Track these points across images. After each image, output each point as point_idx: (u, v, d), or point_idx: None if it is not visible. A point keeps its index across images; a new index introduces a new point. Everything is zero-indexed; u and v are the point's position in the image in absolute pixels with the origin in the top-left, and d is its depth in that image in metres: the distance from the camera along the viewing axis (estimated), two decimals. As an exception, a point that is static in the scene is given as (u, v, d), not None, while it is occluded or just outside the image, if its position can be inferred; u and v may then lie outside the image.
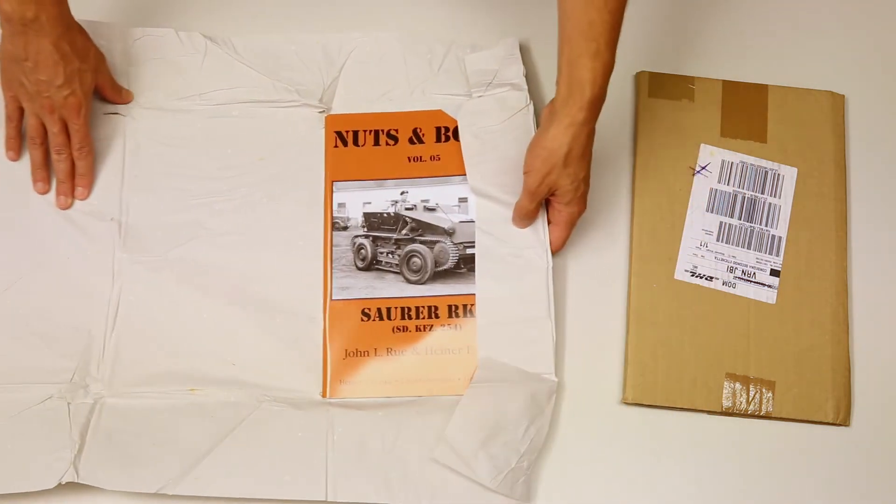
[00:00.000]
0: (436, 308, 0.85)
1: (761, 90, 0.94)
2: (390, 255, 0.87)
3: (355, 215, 0.88)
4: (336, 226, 0.87)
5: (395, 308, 0.85)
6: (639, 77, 0.95)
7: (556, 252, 0.86)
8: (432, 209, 0.87)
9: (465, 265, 0.86)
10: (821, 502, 0.84)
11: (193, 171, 0.90)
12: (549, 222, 0.86)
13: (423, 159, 0.89)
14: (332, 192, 0.88)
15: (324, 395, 0.82)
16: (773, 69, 0.96)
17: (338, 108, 0.92)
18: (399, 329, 0.85)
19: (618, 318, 0.88)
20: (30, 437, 0.80)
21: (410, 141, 0.89)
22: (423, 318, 0.85)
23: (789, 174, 0.92)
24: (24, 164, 0.90)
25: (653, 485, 0.84)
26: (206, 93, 0.92)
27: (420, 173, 0.89)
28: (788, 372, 0.86)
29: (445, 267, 0.86)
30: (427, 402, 0.83)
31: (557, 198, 0.82)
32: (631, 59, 0.95)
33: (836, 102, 0.94)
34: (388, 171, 0.89)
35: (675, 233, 0.89)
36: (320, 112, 0.92)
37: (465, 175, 0.87)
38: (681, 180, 0.91)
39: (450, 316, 0.85)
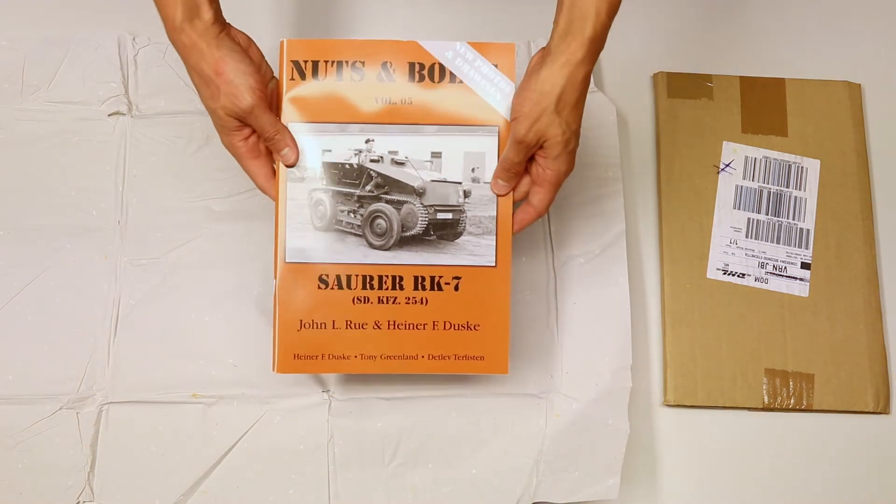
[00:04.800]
0: (400, 279, 0.75)
1: (779, 84, 0.95)
2: (352, 215, 0.75)
3: (313, 164, 0.75)
4: (291, 176, 0.75)
5: (356, 276, 0.75)
6: (657, 78, 0.95)
7: (540, 216, 0.75)
8: (401, 163, 0.75)
9: (434, 231, 0.75)
10: (866, 490, 0.85)
11: (193, 171, 0.90)
12: (532, 183, 0.75)
13: (392, 101, 0.75)
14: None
15: (273, 370, 0.75)
16: (787, 62, 0.97)
17: None
18: (359, 300, 0.75)
19: (653, 320, 0.88)
20: (43, 453, 0.81)
21: (379, 78, 0.74)
22: (387, 288, 0.75)
23: (812, 166, 0.92)
24: (23, 168, 0.89)
25: (700, 484, 0.84)
26: None
27: (388, 118, 0.75)
28: (826, 364, 0.86)
29: (413, 232, 0.75)
30: (424, 403, 0.84)
31: (545, 151, 0.71)
32: (648, 60, 0.96)
33: (854, 92, 0.95)
34: (352, 113, 0.75)
35: (703, 232, 0.90)
36: None
37: (440, 124, 0.74)
38: (706, 179, 0.91)
39: (415, 288, 0.75)
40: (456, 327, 0.76)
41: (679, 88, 0.94)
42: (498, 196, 0.74)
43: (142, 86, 0.92)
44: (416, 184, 0.75)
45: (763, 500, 0.84)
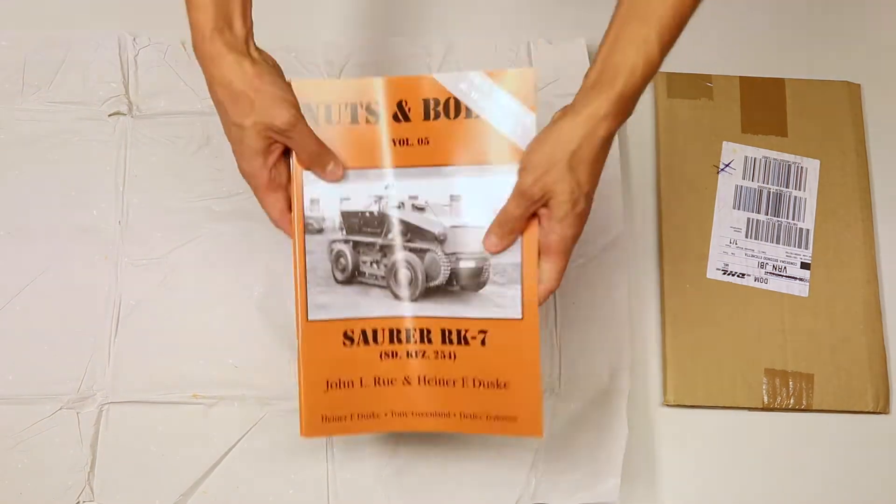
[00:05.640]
0: (428, 332, 0.70)
1: (778, 84, 0.95)
2: (375, 265, 0.71)
3: (332, 215, 0.70)
4: (309, 228, 0.70)
5: (383, 330, 0.70)
6: (656, 78, 0.94)
7: (551, 293, 0.68)
8: (421, 208, 0.70)
9: (457, 281, 0.69)
10: (866, 490, 0.85)
11: (193, 171, 0.90)
12: (542, 255, 0.68)
13: (409, 143, 0.69)
14: (301, 184, 0.70)
15: (302, 434, 0.71)
16: (787, 62, 0.97)
17: None
18: (388, 355, 0.70)
19: (653, 320, 0.89)
20: (43, 453, 0.81)
21: (395, 118, 0.69)
22: (416, 342, 0.70)
23: (812, 166, 0.92)
24: (24, 168, 0.89)
25: (700, 484, 0.84)
26: (207, 97, 0.91)
27: (406, 161, 0.69)
28: (826, 364, 0.86)
29: (436, 282, 0.70)
30: None
31: (549, 210, 0.65)
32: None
33: (853, 92, 0.95)
34: (369, 157, 0.69)
35: (703, 232, 0.90)
36: None
37: (458, 165, 0.68)
38: (705, 179, 0.91)
39: (443, 342, 0.70)
40: (485, 385, 0.69)
41: (679, 88, 0.94)
42: (492, 253, 0.68)
43: (142, 86, 0.92)
44: (436, 230, 0.70)
45: (763, 500, 0.84)
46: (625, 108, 0.63)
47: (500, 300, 0.68)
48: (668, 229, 0.90)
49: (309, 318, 0.71)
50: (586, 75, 0.64)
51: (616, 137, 0.90)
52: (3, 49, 0.92)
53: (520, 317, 0.68)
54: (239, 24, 0.66)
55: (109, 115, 0.91)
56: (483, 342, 0.69)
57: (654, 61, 0.63)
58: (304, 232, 0.70)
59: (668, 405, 0.86)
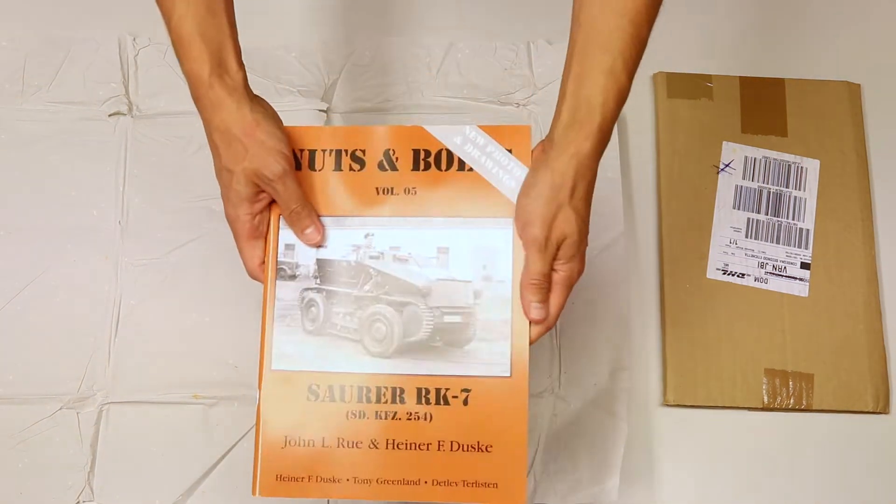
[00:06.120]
0: (401, 391, 0.66)
1: (778, 84, 0.95)
2: (348, 318, 0.67)
3: (306, 262, 0.68)
4: (281, 273, 0.68)
5: (351, 387, 0.66)
6: (656, 78, 0.95)
7: (550, 328, 0.66)
8: (403, 259, 0.67)
9: (441, 337, 0.66)
10: (866, 490, 0.85)
11: (193, 171, 0.90)
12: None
13: (395, 192, 0.67)
14: (278, 229, 0.68)
15: (253, 493, 0.67)
16: (787, 62, 0.97)
17: (338, 108, 0.92)
18: (354, 415, 0.66)
19: (653, 320, 0.88)
20: (43, 453, 0.81)
21: (381, 166, 0.67)
22: (386, 402, 0.66)
23: (812, 166, 0.92)
24: (24, 168, 0.89)
25: (700, 484, 0.84)
26: None
27: (391, 211, 0.67)
28: (826, 364, 0.86)
29: (416, 338, 0.66)
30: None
31: (560, 251, 0.64)
32: (647, 60, 0.94)
33: (853, 92, 0.95)
34: (350, 206, 0.68)
35: (703, 232, 0.90)
36: (322, 111, 0.92)
37: (447, 217, 0.67)
38: (705, 179, 0.91)
39: (418, 402, 0.66)
40: (465, 448, 0.65)
41: (679, 88, 0.94)
42: (533, 323, 0.65)
43: (142, 86, 0.92)
44: (419, 283, 0.67)
45: (763, 500, 0.84)
46: (605, 138, 0.63)
47: (488, 356, 0.65)
48: (668, 229, 0.90)
49: (273, 367, 0.67)
50: (558, 111, 0.63)
51: (616, 137, 0.90)
52: (3, 49, 0.92)
53: (508, 374, 0.65)
54: (235, 66, 0.65)
55: (109, 115, 0.91)
56: (466, 402, 0.65)
57: (624, 88, 0.63)
58: (277, 277, 0.68)
59: (667, 405, 0.86)
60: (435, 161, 0.67)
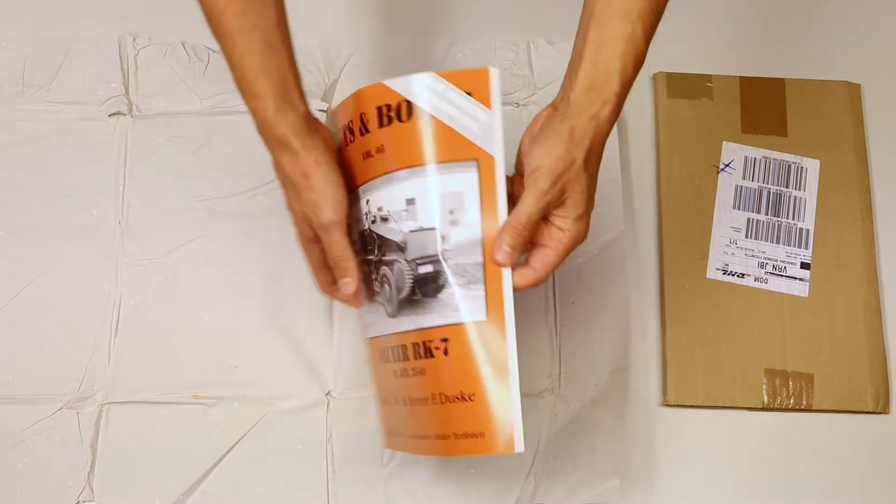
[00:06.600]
0: (403, 348, 0.66)
1: (778, 84, 0.95)
2: (376, 283, 0.69)
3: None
4: None
5: (388, 349, 0.69)
6: (656, 78, 0.95)
7: (540, 283, 0.65)
8: (385, 219, 0.67)
9: (419, 290, 0.65)
10: (866, 490, 0.85)
11: (193, 171, 0.90)
12: (536, 244, 0.65)
13: (371, 154, 0.66)
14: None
15: (384, 446, 0.76)
16: (787, 62, 0.97)
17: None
18: (395, 374, 0.68)
19: (652, 320, 0.88)
20: (43, 453, 0.81)
21: (361, 132, 0.67)
22: (398, 360, 0.67)
23: (812, 167, 0.92)
24: (24, 168, 0.89)
25: (700, 484, 0.84)
26: (207, 97, 0.92)
27: (370, 173, 0.67)
28: (826, 364, 0.86)
29: (404, 294, 0.66)
30: None
31: (564, 210, 0.64)
32: (647, 60, 0.94)
33: (853, 92, 0.95)
34: (353, 177, 0.69)
35: (703, 232, 0.90)
36: (322, 111, 0.92)
37: (410, 167, 0.64)
38: (705, 179, 0.91)
39: (416, 357, 0.65)
40: (451, 399, 0.63)
41: (679, 88, 0.94)
42: (498, 265, 0.63)
43: (142, 86, 0.92)
44: (398, 238, 0.66)
45: (763, 500, 0.84)
46: (621, 105, 0.64)
47: (461, 302, 0.63)
48: (668, 229, 0.90)
49: (366, 335, 0.72)
50: (572, 76, 0.63)
51: (616, 137, 0.90)
52: (3, 49, 0.92)
53: (484, 318, 0.62)
54: (297, 100, 0.66)
55: (109, 115, 0.91)
56: (446, 352, 0.63)
57: (642, 55, 0.64)
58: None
59: (667, 405, 0.86)
60: (396, 114, 0.65)
